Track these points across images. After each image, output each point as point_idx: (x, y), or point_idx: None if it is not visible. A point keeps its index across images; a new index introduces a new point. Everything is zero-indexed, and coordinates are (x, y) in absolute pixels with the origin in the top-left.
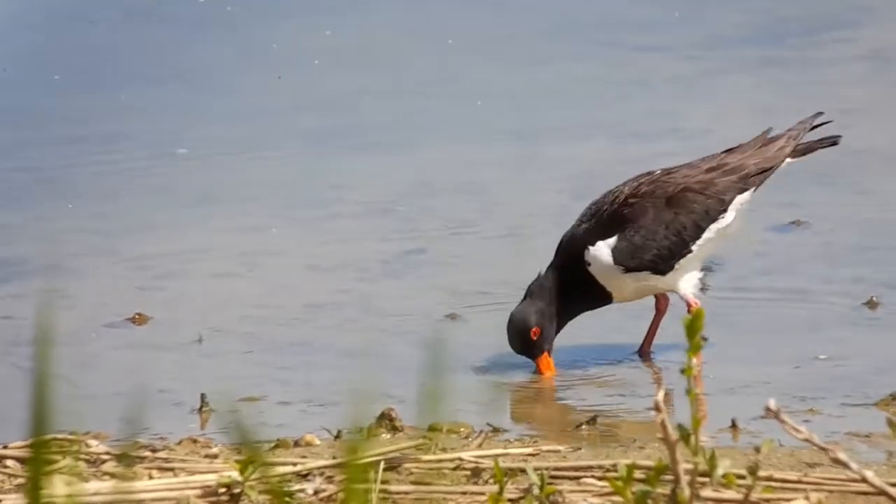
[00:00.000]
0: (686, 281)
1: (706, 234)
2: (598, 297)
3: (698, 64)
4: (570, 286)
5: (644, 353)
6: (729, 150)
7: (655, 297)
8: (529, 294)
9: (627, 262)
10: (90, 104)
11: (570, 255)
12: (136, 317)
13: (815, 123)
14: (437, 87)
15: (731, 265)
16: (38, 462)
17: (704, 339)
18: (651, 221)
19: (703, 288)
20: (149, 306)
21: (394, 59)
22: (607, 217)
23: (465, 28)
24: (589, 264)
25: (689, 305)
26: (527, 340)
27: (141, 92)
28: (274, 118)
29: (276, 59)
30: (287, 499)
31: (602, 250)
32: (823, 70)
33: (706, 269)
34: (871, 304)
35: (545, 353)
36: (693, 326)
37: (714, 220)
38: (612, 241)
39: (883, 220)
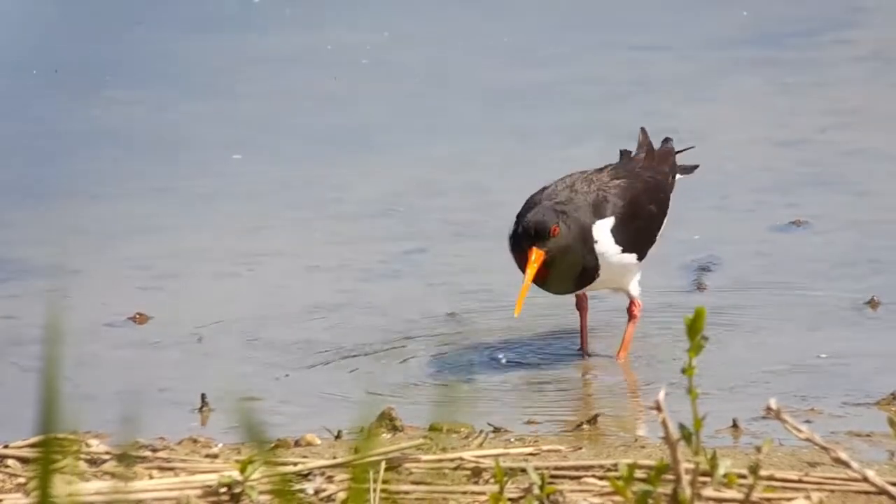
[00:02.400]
0: (637, 280)
1: (662, 226)
2: (587, 268)
3: (698, 64)
4: (575, 245)
5: (585, 351)
6: (628, 159)
7: (578, 298)
8: (563, 212)
9: (625, 244)
10: (124, 105)
11: (580, 228)
12: (137, 316)
13: (678, 148)
14: (438, 87)
15: (731, 265)
16: (44, 462)
17: (705, 338)
18: (636, 207)
19: (701, 287)
20: (149, 306)
21: (394, 59)
22: (594, 199)
23: (465, 28)
24: (597, 241)
25: (636, 307)
26: (544, 229)
27: (186, 92)
28: (275, 118)
29: (331, 59)
30: (293, 498)
31: (603, 229)
32: (823, 70)
33: (705, 268)
34: (872, 304)
35: (544, 252)
36: (694, 326)
37: (665, 213)
38: (609, 221)
39: (883, 220)
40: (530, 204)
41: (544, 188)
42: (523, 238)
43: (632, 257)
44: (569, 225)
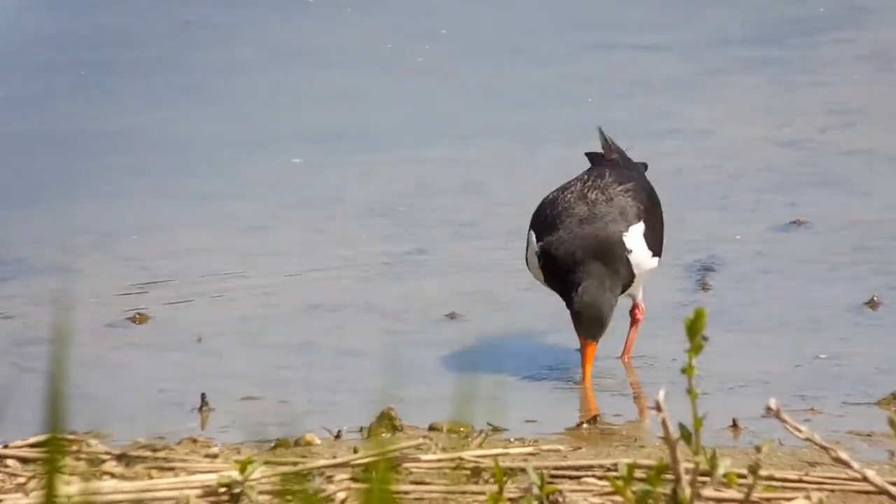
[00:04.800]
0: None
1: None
2: (626, 285)
3: (698, 64)
4: (616, 277)
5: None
6: (609, 161)
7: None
8: (601, 280)
9: (653, 248)
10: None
11: (606, 247)
12: (136, 317)
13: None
14: (438, 86)
15: (732, 265)
16: (49, 461)
17: (705, 338)
18: (652, 208)
19: (706, 287)
20: (149, 306)
21: (393, 58)
22: (618, 207)
23: (464, 28)
24: (630, 251)
25: (639, 311)
26: (602, 327)
27: (204, 91)
28: (275, 118)
29: (387, 57)
30: (300, 497)
31: (636, 236)
32: (823, 70)
33: (708, 268)
34: (872, 304)
35: (596, 343)
36: (694, 326)
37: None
38: (640, 227)
39: (883, 220)
40: (546, 222)
41: (555, 200)
42: (575, 326)
43: (656, 260)
44: (614, 289)
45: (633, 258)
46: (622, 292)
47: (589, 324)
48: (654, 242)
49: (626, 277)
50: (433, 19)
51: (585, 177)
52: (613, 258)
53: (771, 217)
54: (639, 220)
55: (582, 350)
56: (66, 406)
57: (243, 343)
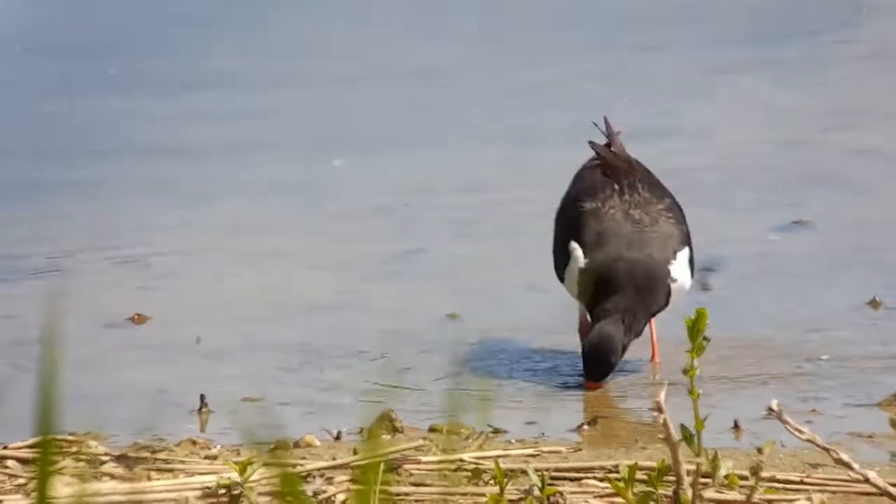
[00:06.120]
0: None
1: None
2: (657, 312)
3: (698, 64)
4: (648, 309)
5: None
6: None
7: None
8: (623, 319)
9: (692, 270)
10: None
11: (651, 277)
12: (136, 317)
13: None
14: (438, 86)
15: (733, 265)
16: (44, 463)
17: (707, 339)
18: (686, 222)
19: (706, 288)
20: (149, 306)
21: (393, 58)
22: (664, 232)
23: (465, 28)
24: (675, 280)
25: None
26: (608, 369)
27: (204, 92)
28: (280, 119)
29: (405, 59)
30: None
31: (682, 263)
32: (823, 70)
33: (709, 269)
34: (874, 304)
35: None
36: (696, 327)
37: None
38: (685, 253)
39: (884, 220)
40: (592, 238)
41: (597, 213)
42: (583, 365)
43: (691, 281)
44: (627, 331)
45: (675, 286)
46: (653, 315)
47: (594, 369)
48: (692, 262)
49: (662, 306)
50: (460, 21)
51: (617, 187)
52: (654, 288)
53: (771, 217)
54: (684, 246)
55: (585, 384)
56: (58, 407)
57: (243, 343)
